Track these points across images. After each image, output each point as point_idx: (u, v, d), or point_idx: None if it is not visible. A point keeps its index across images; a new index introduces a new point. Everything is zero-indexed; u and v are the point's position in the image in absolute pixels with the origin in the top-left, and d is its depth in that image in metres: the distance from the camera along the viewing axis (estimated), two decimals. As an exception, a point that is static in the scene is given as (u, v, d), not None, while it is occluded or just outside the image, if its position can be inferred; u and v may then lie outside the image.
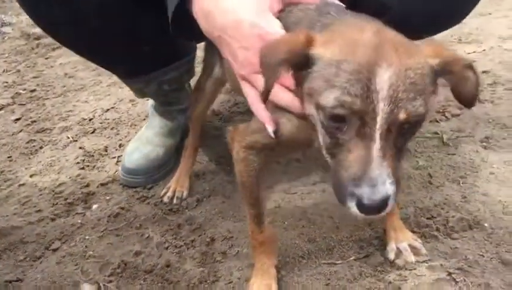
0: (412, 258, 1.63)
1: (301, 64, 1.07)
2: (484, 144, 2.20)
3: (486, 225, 1.74)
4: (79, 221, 2.04)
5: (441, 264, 1.60)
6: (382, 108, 0.97)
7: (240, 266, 1.70)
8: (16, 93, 3.51)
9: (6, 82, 3.75)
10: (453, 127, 2.38)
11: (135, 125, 2.79)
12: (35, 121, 3.01)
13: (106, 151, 2.57)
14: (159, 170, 2.29)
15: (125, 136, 2.68)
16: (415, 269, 1.60)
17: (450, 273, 1.55)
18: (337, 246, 1.75)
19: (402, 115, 0.98)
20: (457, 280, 1.52)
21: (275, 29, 1.23)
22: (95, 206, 2.13)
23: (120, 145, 2.59)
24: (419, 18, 1.62)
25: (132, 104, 3.04)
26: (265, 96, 1.11)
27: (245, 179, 1.49)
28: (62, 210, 2.12)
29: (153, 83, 2.18)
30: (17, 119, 3.07)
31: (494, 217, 1.77)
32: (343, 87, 0.98)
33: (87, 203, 2.17)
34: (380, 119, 0.97)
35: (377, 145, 0.99)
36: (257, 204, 1.53)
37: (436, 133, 2.34)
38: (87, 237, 1.94)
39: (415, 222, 1.80)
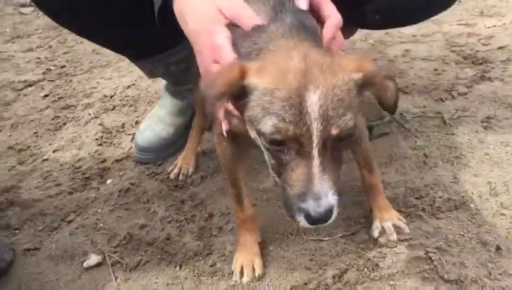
0: (394, 237, 1.69)
1: (239, 94, 1.17)
2: (485, 124, 2.21)
3: (471, 205, 1.78)
4: (93, 195, 2.20)
5: (421, 243, 1.66)
6: (316, 127, 1.08)
7: (233, 241, 1.81)
8: (47, 69, 3.71)
9: (39, 58, 3.96)
10: (458, 106, 2.39)
11: (152, 102, 2.92)
12: (61, 98, 3.20)
13: (123, 128, 2.72)
14: (168, 148, 2.42)
15: (142, 113, 2.81)
16: (395, 247, 1.67)
17: (427, 252, 1.61)
18: (326, 224, 1.83)
19: (334, 131, 1.09)
20: (433, 258, 1.58)
21: (222, 41, 1.29)
22: (109, 181, 2.29)
23: (136, 123, 2.73)
24: (404, 8, 1.66)
25: (152, 81, 3.16)
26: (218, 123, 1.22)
27: (223, 161, 1.65)
28: (79, 184, 2.29)
29: (160, 64, 2.27)
30: (46, 96, 3.26)
31: (480, 198, 1.81)
32: (278, 114, 1.09)
33: (103, 178, 2.33)
34: (315, 138, 1.09)
35: (316, 162, 1.10)
36: (235, 184, 1.67)
37: (439, 112, 2.35)
38: (99, 211, 2.10)
39: (403, 201, 1.85)
